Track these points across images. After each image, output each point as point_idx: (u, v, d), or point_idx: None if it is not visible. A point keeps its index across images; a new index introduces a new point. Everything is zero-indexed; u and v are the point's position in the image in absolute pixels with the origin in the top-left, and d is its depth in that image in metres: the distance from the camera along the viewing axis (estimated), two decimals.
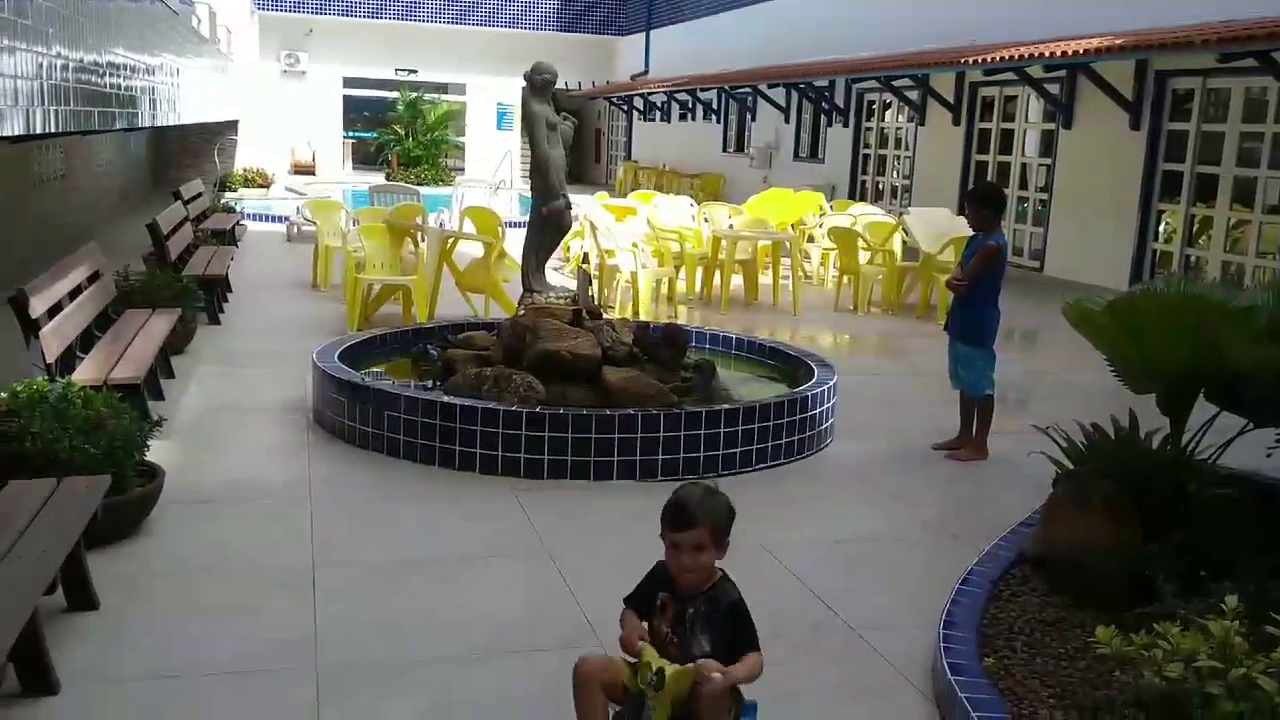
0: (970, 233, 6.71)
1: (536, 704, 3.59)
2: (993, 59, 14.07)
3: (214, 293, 9.71)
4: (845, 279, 12.36)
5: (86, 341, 6.60)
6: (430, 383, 6.80)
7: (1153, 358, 4.20)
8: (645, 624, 3.03)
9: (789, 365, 7.69)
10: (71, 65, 7.24)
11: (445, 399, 6.09)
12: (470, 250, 11.21)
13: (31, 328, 5.54)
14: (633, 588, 3.14)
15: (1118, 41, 12.26)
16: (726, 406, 6.24)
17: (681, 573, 3.01)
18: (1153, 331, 4.06)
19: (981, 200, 6.52)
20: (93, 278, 6.99)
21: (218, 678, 3.65)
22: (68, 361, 6.01)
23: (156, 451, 5.21)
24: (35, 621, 3.28)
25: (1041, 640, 3.89)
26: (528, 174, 8.01)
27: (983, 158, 16.83)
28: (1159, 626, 3.05)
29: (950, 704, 3.51)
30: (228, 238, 13.03)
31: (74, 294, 6.48)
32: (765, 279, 12.74)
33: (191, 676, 3.65)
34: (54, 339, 5.67)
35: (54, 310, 5.99)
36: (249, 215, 17.43)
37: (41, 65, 6.37)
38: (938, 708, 3.63)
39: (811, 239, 14.54)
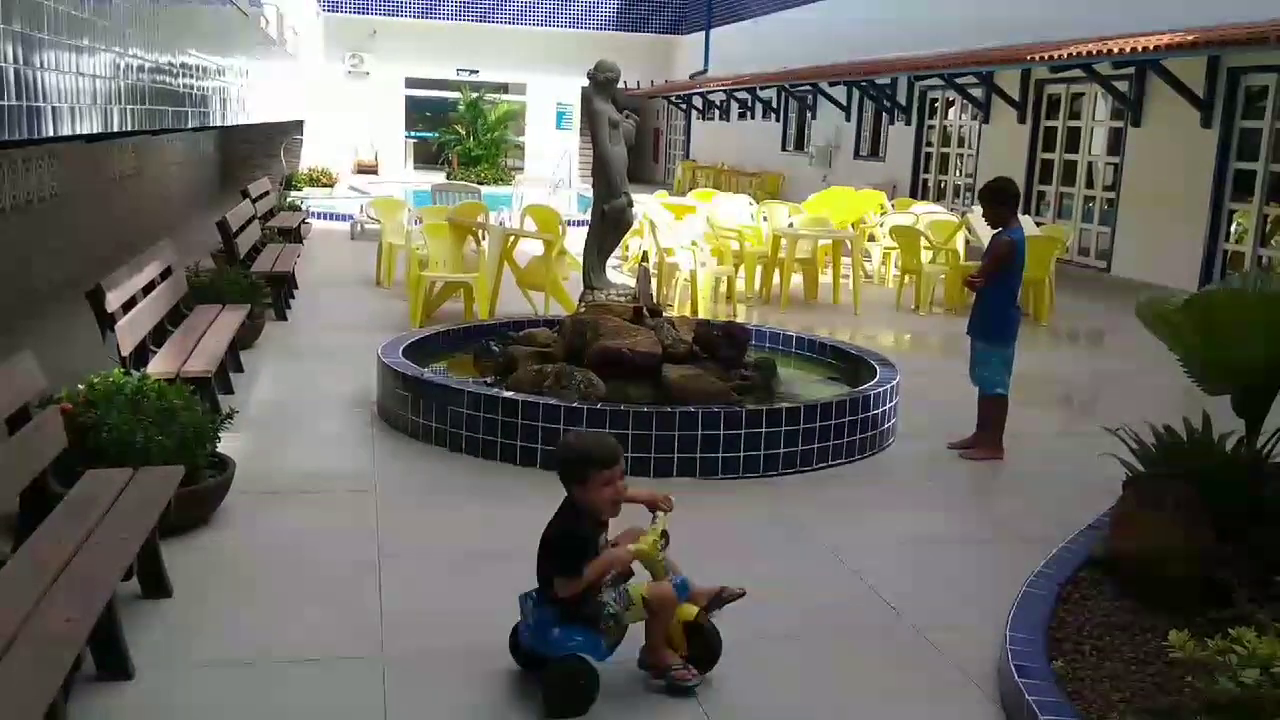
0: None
1: (601, 692, 3.60)
2: (1060, 55, 13.84)
3: (281, 289, 9.87)
4: (907, 278, 12.25)
5: (159, 335, 6.75)
6: (492, 379, 6.86)
7: (1228, 357, 4.11)
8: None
9: (850, 365, 7.63)
10: (147, 66, 7.40)
11: (507, 394, 6.13)
12: (531, 248, 11.29)
13: (108, 321, 5.69)
14: (577, 555, 3.50)
15: (1189, 37, 12.00)
16: (787, 405, 6.21)
17: (617, 504, 3.54)
18: (1228, 330, 3.97)
19: (994, 197, 6.35)
20: (165, 273, 7.15)
21: (288, 664, 3.72)
22: (141, 355, 6.16)
23: (227, 443, 5.31)
24: (112, 607, 3.37)
25: (1111, 644, 3.82)
26: (587, 173, 8.03)
27: (1048, 156, 16.57)
28: (1234, 631, 2.99)
29: (1017, 706, 3.47)
30: (294, 235, 13.24)
31: (148, 289, 6.65)
32: (825, 278, 12.67)
33: (262, 663, 3.72)
34: (129, 332, 5.82)
35: (129, 304, 6.15)
36: (314, 214, 17.69)
37: (119, 65, 6.52)
38: (1004, 710, 3.58)
39: (872, 238, 14.42)
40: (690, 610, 3.63)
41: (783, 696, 3.69)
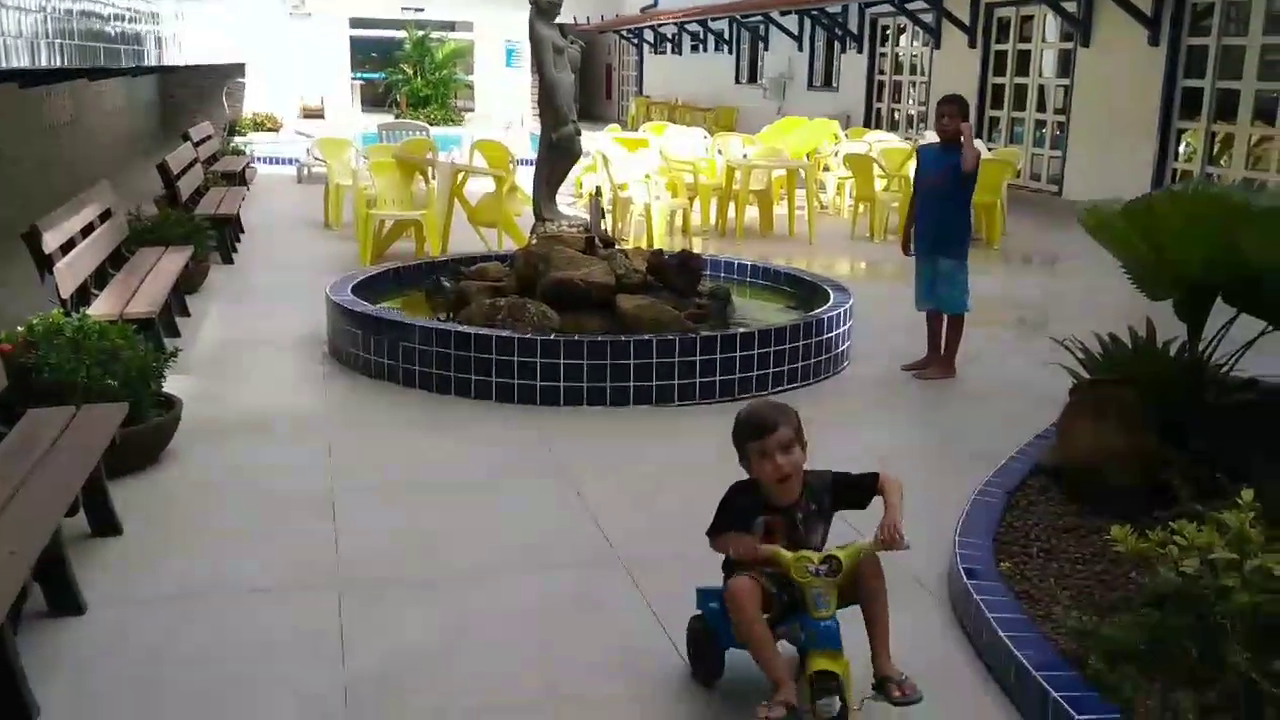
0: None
1: (556, 618, 3.62)
2: None
3: (226, 232, 9.71)
4: (861, 207, 12.26)
5: (100, 279, 6.63)
6: (444, 315, 6.80)
7: (1171, 261, 4.14)
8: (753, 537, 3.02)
9: (805, 291, 7.65)
10: (75, 9, 7.18)
11: (460, 328, 6.09)
12: (481, 187, 11.16)
13: (46, 263, 5.56)
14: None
15: None
16: (742, 330, 6.22)
17: (780, 480, 2.97)
18: (1171, 234, 4.00)
19: (961, 107, 6.32)
20: (105, 215, 7.01)
21: (242, 595, 3.71)
22: (83, 299, 6.05)
23: (174, 384, 5.25)
24: (58, 542, 3.33)
25: (1058, 546, 3.89)
26: (537, 109, 7.91)
27: (999, 80, 16.57)
28: (1175, 524, 3.04)
29: (965, 608, 3.53)
30: (238, 179, 13.00)
31: (86, 231, 6.50)
32: (780, 209, 12.64)
33: (216, 595, 3.70)
34: (68, 274, 5.70)
35: (67, 246, 6.01)
36: (259, 159, 17.38)
37: (45, 3, 6.32)
38: (954, 613, 3.65)
39: (827, 168, 14.40)
40: (820, 661, 2.83)
41: None
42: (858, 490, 3.10)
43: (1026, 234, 12.32)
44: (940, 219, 6.45)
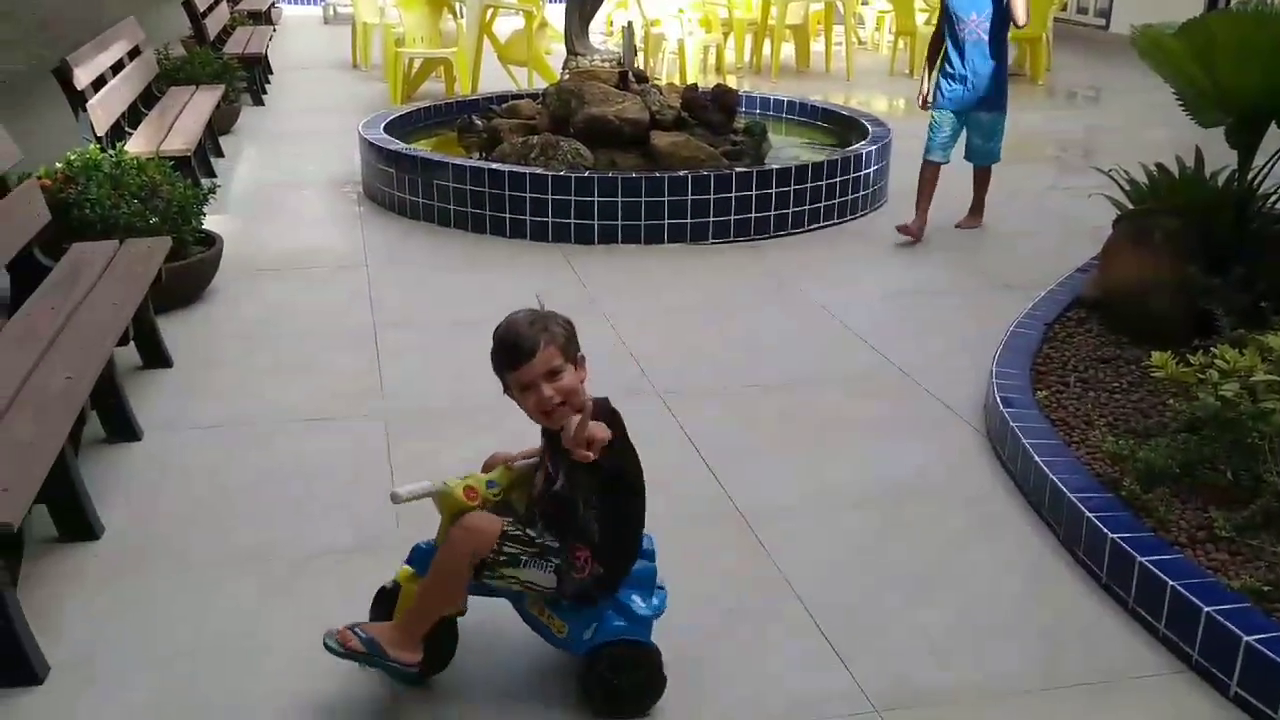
0: None
1: None
2: None
3: (255, 72, 9.58)
4: (901, 42, 11.88)
5: (134, 119, 6.60)
6: (477, 153, 6.74)
7: (1224, 84, 4.00)
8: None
9: (841, 128, 7.51)
10: None
11: (494, 166, 6.04)
12: (511, 24, 10.89)
13: (78, 100, 5.53)
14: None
15: None
16: (777, 167, 6.13)
17: (552, 416, 2.33)
18: (1226, 55, 3.85)
19: None
20: (134, 53, 6.92)
21: (292, 423, 3.80)
22: (118, 136, 6.03)
23: (213, 224, 5.27)
24: (112, 370, 3.41)
25: (1096, 376, 3.90)
26: None
27: None
28: (1216, 349, 3.03)
29: (1001, 435, 3.57)
30: (264, 19, 12.75)
31: (117, 69, 6.44)
32: (817, 46, 12.28)
33: (267, 423, 3.80)
34: (102, 111, 5.67)
35: (99, 84, 5.97)
36: None
37: None
38: (989, 440, 3.69)
39: (866, 1, 13.90)
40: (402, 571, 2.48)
41: (774, 439, 3.79)
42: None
43: (1072, 69, 11.94)
44: (979, 69, 5.82)
